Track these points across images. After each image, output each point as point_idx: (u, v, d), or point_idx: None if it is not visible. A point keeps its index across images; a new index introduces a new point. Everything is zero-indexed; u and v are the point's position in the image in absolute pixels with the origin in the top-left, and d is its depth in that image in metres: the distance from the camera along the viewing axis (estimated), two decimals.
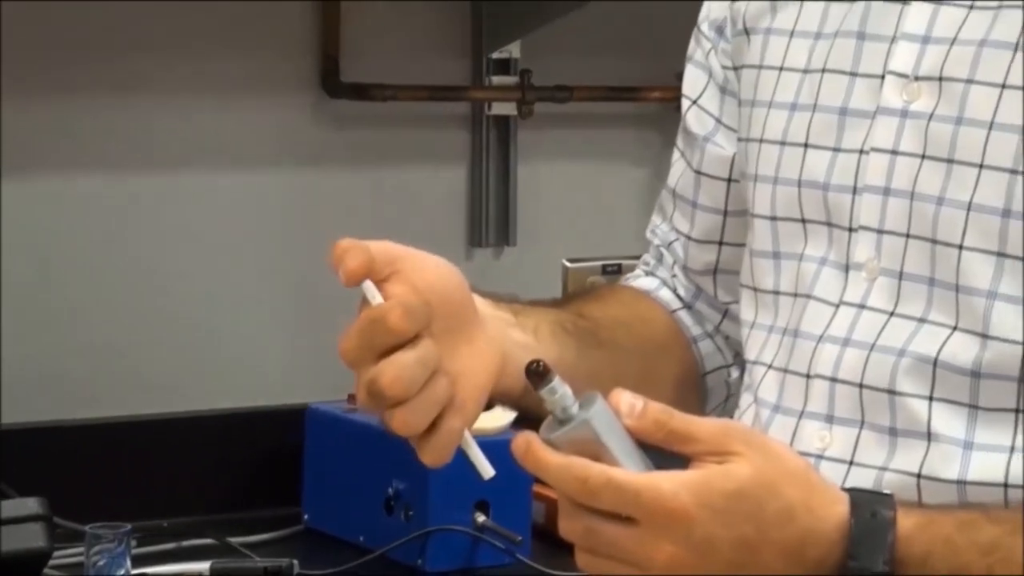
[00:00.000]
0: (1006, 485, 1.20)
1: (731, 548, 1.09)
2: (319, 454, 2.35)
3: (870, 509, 1.13)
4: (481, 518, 2.15)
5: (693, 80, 1.49)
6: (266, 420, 2.37)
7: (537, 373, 1.09)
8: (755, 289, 1.39)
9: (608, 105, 2.61)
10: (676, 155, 1.53)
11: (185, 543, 2.17)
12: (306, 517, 2.33)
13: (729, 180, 1.45)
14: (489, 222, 2.63)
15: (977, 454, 1.22)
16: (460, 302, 1.22)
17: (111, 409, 2.39)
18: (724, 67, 1.46)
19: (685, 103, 1.50)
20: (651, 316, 1.50)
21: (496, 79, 2.57)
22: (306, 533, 2.29)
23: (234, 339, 2.43)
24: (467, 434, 1.18)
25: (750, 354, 1.38)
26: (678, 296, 1.50)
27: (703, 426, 1.13)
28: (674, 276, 1.51)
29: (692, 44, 1.50)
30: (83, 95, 2.42)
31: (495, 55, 2.55)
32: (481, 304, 1.25)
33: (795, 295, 1.34)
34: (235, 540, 2.19)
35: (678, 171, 1.51)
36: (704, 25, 1.49)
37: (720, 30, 1.46)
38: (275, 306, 2.48)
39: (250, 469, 2.36)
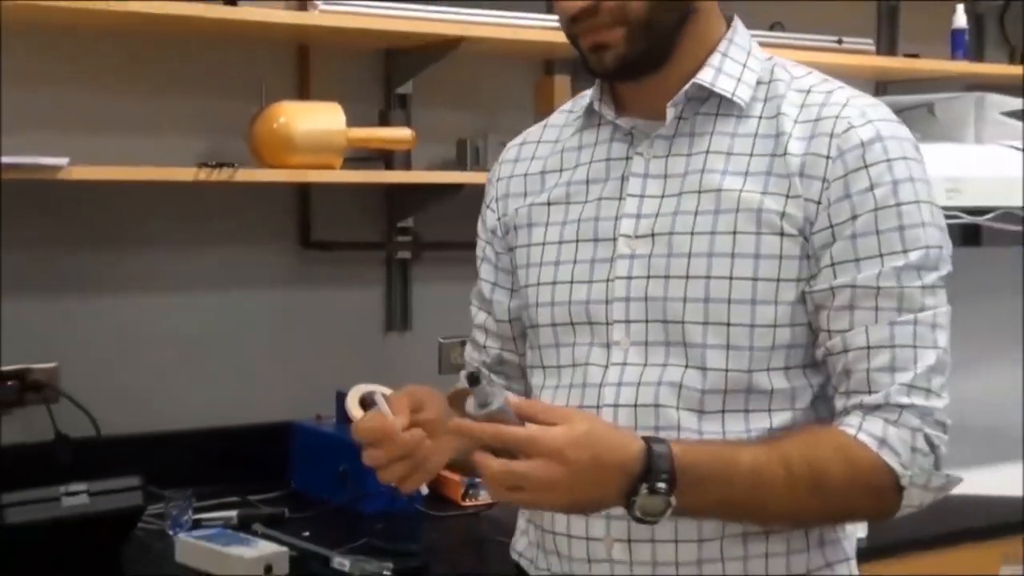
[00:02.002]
0: None
1: (587, 466, 1.20)
2: (300, 448, 2.49)
3: (654, 439, 1.26)
4: None
5: (485, 271, 1.59)
6: (268, 430, 2.52)
7: (473, 377, 1.25)
8: (543, 367, 1.48)
9: (464, 252, 2.60)
10: (475, 299, 1.62)
11: (223, 499, 2.31)
12: (293, 484, 2.46)
13: (509, 320, 1.56)
14: (396, 316, 2.72)
15: (705, 438, 1.34)
16: (438, 411, 1.35)
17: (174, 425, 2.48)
18: (493, 256, 1.57)
19: (483, 284, 1.59)
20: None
21: (400, 238, 2.68)
22: (293, 494, 2.43)
23: (246, 383, 2.56)
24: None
25: (547, 401, 1.43)
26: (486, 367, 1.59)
27: (555, 408, 1.29)
28: (484, 361, 1.59)
29: (483, 240, 1.59)
30: (133, 245, 2.48)
31: (400, 224, 2.68)
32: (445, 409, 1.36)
33: (574, 365, 1.43)
34: (252, 498, 2.36)
35: (482, 297, 1.60)
36: (485, 231, 1.59)
37: (494, 232, 1.56)
38: (267, 365, 2.57)
39: (261, 456, 2.49)
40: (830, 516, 1.37)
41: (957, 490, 2.49)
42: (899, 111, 1.48)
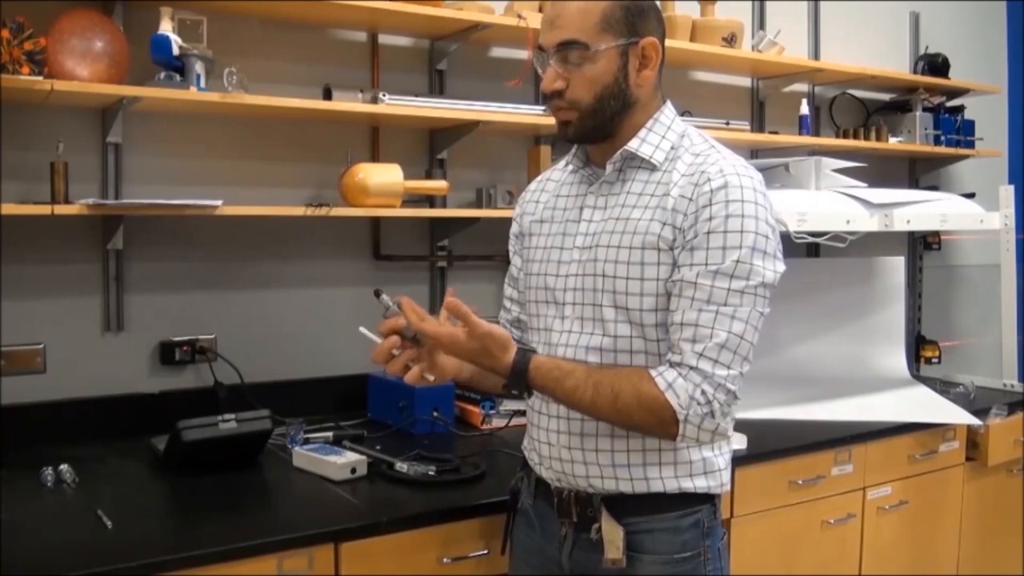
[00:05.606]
0: None
1: (476, 352, 1.25)
2: (373, 390, 2.42)
3: (523, 349, 1.30)
4: (436, 413, 2.26)
5: (514, 261, 1.56)
6: (352, 378, 2.45)
7: (377, 292, 1.27)
8: (531, 327, 1.47)
9: (482, 261, 2.64)
10: (507, 279, 1.59)
11: (323, 424, 2.27)
12: (369, 414, 2.41)
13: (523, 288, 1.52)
14: (436, 302, 2.56)
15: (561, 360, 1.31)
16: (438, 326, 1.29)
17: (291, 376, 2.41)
18: (516, 252, 1.56)
19: (512, 268, 1.56)
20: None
21: (438, 253, 2.59)
22: (369, 421, 2.37)
23: (338, 348, 2.46)
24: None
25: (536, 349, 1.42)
26: (509, 323, 1.57)
27: (479, 324, 1.27)
28: (507, 319, 1.57)
29: (511, 241, 1.57)
30: (264, 259, 2.40)
31: (439, 243, 2.58)
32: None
33: (545, 329, 1.42)
34: (342, 423, 2.31)
35: (512, 277, 1.57)
36: (512, 236, 1.57)
37: (518, 236, 1.55)
38: (351, 337, 2.51)
39: (348, 396, 2.44)
40: (622, 423, 1.32)
41: (803, 416, 2.53)
42: (764, 169, 1.47)
